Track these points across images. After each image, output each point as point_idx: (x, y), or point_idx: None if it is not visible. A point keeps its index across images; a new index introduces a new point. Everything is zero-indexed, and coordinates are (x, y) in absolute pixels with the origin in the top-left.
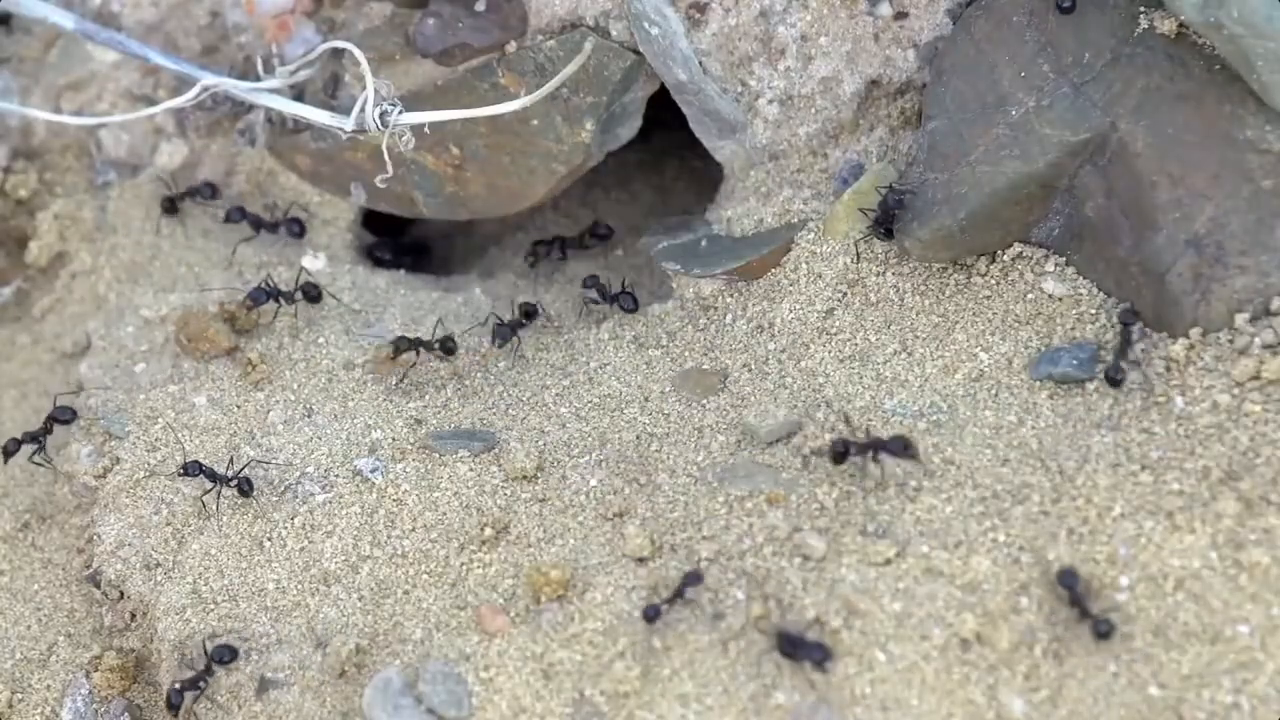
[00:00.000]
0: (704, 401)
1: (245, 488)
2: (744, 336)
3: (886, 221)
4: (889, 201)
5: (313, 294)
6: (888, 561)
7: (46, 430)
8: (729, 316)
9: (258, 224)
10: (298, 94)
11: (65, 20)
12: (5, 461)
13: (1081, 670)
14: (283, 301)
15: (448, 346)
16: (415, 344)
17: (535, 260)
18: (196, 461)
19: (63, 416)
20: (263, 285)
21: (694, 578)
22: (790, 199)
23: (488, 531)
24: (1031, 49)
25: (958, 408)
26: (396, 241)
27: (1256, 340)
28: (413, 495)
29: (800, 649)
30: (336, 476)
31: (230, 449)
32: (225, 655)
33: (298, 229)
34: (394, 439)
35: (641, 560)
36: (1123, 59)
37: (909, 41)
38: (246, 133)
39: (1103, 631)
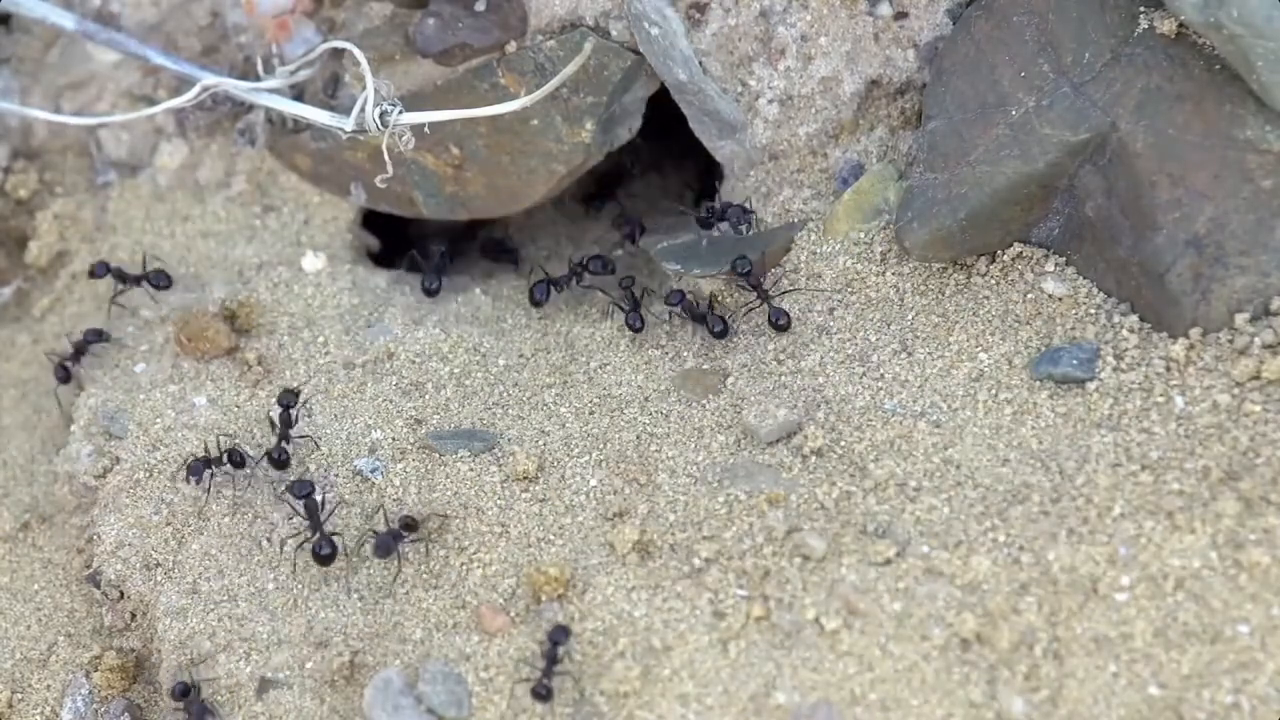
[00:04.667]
0: (704, 401)
1: (236, 459)
2: (744, 336)
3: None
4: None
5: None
6: (888, 561)
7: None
8: (729, 316)
9: (122, 277)
10: (298, 94)
11: (65, 20)
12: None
13: (1081, 670)
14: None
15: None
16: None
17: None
18: (203, 459)
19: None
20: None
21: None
22: (790, 199)
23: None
24: (1031, 49)
25: (958, 408)
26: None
27: (1256, 340)
28: (413, 495)
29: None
30: (336, 476)
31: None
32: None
33: (165, 281)
34: (394, 439)
35: (642, 560)
36: (1123, 59)
37: (909, 41)
38: (246, 133)
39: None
